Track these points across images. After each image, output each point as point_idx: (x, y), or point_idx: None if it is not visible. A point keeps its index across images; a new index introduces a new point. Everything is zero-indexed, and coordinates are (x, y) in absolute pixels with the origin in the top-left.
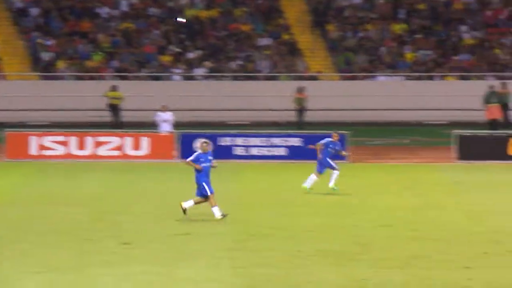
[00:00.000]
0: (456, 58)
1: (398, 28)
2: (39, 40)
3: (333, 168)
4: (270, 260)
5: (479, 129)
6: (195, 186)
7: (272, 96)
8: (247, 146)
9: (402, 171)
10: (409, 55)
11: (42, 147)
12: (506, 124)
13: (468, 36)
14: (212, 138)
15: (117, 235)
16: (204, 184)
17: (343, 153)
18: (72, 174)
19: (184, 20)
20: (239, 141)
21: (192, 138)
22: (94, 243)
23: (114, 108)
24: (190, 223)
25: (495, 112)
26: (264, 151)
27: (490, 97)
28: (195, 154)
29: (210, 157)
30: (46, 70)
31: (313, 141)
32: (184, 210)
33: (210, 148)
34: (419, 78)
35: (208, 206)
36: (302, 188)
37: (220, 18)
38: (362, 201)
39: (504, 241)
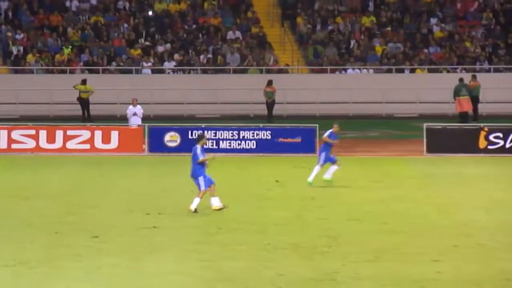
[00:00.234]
0: (426, 51)
1: (367, 21)
2: (8, 34)
3: (333, 162)
4: (239, 254)
5: (449, 122)
6: (164, 178)
7: (241, 89)
8: (216, 139)
9: (371, 164)
10: (378, 48)
11: (12, 141)
12: (476, 117)
13: (437, 29)
14: (182, 131)
15: (87, 229)
16: (200, 179)
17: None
18: (42, 167)
19: (151, 13)
20: (209, 134)
21: (161, 131)
22: (64, 236)
23: (83, 102)
24: (158, 217)
25: (465, 105)
26: (234, 144)
27: (460, 90)
28: (201, 149)
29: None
30: (15, 63)
31: (282, 135)
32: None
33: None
34: (389, 71)
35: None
36: (324, 181)
37: (189, 11)
38: (332, 194)
39: (474, 234)
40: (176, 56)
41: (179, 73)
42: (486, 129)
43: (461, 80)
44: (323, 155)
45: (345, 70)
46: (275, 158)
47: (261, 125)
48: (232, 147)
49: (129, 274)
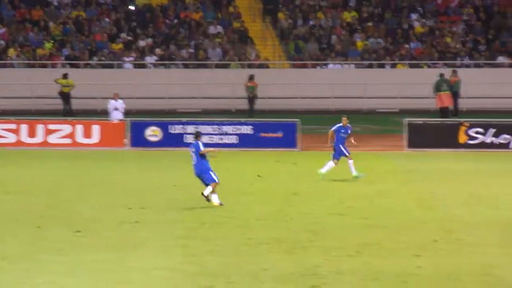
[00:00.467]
0: (406, 46)
1: (348, 16)
2: None
3: (346, 155)
4: (222, 248)
5: (430, 117)
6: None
7: (223, 84)
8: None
9: (353, 159)
10: (359, 43)
11: None
12: (456, 112)
13: (418, 24)
14: (163, 126)
15: (69, 223)
16: (210, 172)
17: (352, 139)
18: (23, 162)
19: (133, 8)
20: (190, 129)
21: (142, 126)
22: (46, 231)
23: (65, 96)
24: (141, 211)
25: (446, 100)
26: (215, 139)
27: (441, 85)
28: (202, 144)
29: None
30: None
31: (264, 129)
32: (207, 198)
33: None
34: (369, 66)
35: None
36: (319, 174)
37: (171, 6)
38: (314, 189)
39: (454, 229)
40: (158, 50)
41: (160, 67)
42: (466, 124)
43: (441, 75)
44: (340, 147)
45: (326, 65)
46: (257, 152)
47: (242, 120)
48: (213, 141)
49: (112, 268)
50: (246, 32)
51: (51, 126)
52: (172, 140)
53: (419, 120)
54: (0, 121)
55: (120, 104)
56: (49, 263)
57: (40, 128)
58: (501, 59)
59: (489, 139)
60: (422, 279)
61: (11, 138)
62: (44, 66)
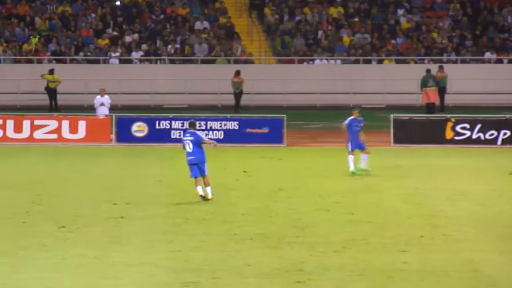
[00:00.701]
0: (393, 41)
1: (335, 11)
2: None
3: (362, 149)
4: (206, 244)
5: (416, 113)
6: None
7: (209, 79)
8: (184, 130)
9: (339, 155)
10: (346, 38)
11: None
12: (442, 108)
13: (405, 20)
14: (149, 121)
15: (53, 219)
16: (205, 164)
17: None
18: (9, 157)
19: (119, 3)
20: (176, 124)
21: (129, 121)
22: (30, 226)
23: (51, 91)
24: (126, 207)
25: (432, 96)
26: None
27: (427, 80)
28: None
29: None
30: None
31: (250, 125)
32: (202, 196)
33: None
34: (356, 62)
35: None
36: (350, 172)
37: (157, 1)
38: (299, 185)
39: (440, 225)
40: (144, 46)
41: (146, 63)
42: (453, 120)
43: (428, 71)
44: (357, 141)
45: (313, 60)
46: (242, 148)
47: (228, 115)
48: None
49: (96, 264)
50: (232, 28)
51: (37, 122)
52: (158, 136)
53: (405, 116)
54: None
55: (106, 99)
56: (34, 258)
57: (26, 124)
58: (488, 55)
59: (475, 135)
60: (408, 275)
61: None
62: (30, 61)
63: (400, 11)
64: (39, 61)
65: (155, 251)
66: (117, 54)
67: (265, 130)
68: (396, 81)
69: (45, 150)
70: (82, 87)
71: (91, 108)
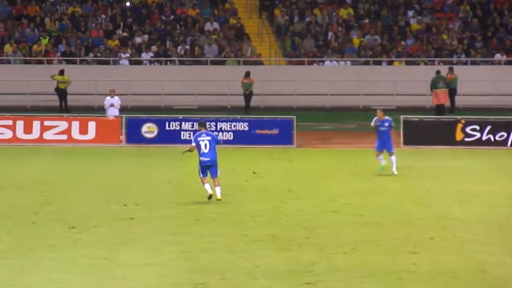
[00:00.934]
0: (403, 43)
1: (345, 13)
2: None
3: (388, 152)
4: (216, 245)
5: (426, 114)
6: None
7: (219, 80)
8: (194, 131)
9: (349, 156)
10: (356, 40)
11: None
12: (452, 109)
13: (415, 21)
14: (159, 122)
15: (63, 219)
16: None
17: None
18: (19, 158)
19: (129, 4)
20: (186, 125)
21: (138, 122)
22: (40, 227)
23: (61, 92)
24: (135, 208)
25: (442, 97)
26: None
27: (437, 82)
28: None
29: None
30: None
31: (260, 126)
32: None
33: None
34: (366, 63)
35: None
36: (379, 170)
37: (167, 2)
38: (309, 186)
39: (450, 226)
40: (154, 47)
41: (156, 64)
42: (463, 121)
43: (438, 72)
44: (387, 141)
45: (323, 62)
46: (252, 149)
47: (238, 116)
48: None
49: (105, 265)
50: (242, 29)
51: (47, 123)
52: (168, 137)
53: (415, 117)
54: None
55: (116, 100)
56: (43, 259)
57: (36, 124)
58: (498, 57)
59: (485, 136)
60: (417, 276)
61: (7, 134)
62: (40, 62)
63: (410, 13)
64: (49, 62)
65: (164, 252)
66: (127, 55)
67: (275, 131)
68: (406, 82)
69: (55, 151)
70: (92, 88)
71: (101, 109)
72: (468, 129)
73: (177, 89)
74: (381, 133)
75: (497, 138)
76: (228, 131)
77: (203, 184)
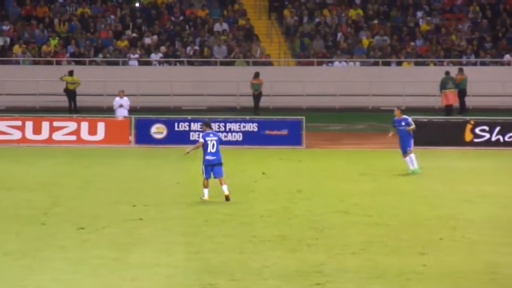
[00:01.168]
0: (412, 44)
1: (354, 13)
2: None
3: (406, 149)
4: (225, 246)
5: (436, 115)
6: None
7: (228, 81)
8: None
9: (358, 156)
10: (365, 40)
11: None
12: (462, 110)
13: (424, 22)
14: (168, 123)
15: (72, 220)
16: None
17: (410, 127)
18: (28, 159)
19: (138, 5)
20: (195, 126)
21: (148, 123)
22: (49, 228)
23: (70, 93)
24: (144, 208)
25: (451, 98)
26: (220, 136)
27: (447, 83)
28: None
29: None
30: (2, 54)
31: (269, 127)
32: (227, 198)
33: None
34: (375, 64)
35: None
36: (412, 172)
37: (176, 3)
38: (318, 186)
39: (459, 227)
40: (163, 48)
41: (165, 65)
42: (472, 122)
43: (447, 73)
44: (406, 140)
45: (332, 62)
46: (261, 150)
47: (247, 117)
48: None
49: (115, 266)
50: (251, 30)
51: (56, 123)
52: (177, 138)
53: (424, 118)
54: (5, 118)
55: (125, 101)
56: (52, 260)
57: (45, 125)
58: (507, 57)
59: (494, 137)
60: (426, 277)
61: (16, 134)
62: (49, 63)
63: (420, 13)
64: (58, 63)
65: (173, 253)
66: (136, 55)
67: (284, 132)
68: (415, 83)
69: (64, 151)
70: (101, 88)
71: (110, 110)
72: (477, 130)
73: (186, 89)
74: (400, 133)
75: (506, 138)
76: (237, 132)
77: (205, 187)
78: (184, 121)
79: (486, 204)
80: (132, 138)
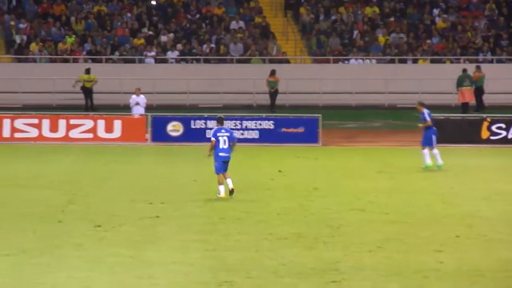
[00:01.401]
0: (428, 41)
1: (370, 11)
2: (12, 23)
3: (424, 146)
4: (241, 243)
5: (452, 113)
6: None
7: (244, 79)
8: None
9: (374, 154)
10: (381, 38)
11: (15, 130)
12: (478, 107)
13: (440, 20)
14: (185, 121)
15: (89, 218)
16: None
17: (420, 125)
18: (45, 156)
19: (154, 2)
20: (212, 124)
21: (164, 121)
22: (66, 225)
23: (87, 91)
24: (161, 206)
25: (467, 95)
26: (237, 134)
27: (463, 80)
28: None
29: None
30: (19, 52)
31: (285, 125)
32: (231, 191)
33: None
34: (391, 62)
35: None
36: (429, 167)
37: (193, 1)
38: (334, 184)
39: (476, 225)
40: (179, 45)
41: (182, 62)
42: (488, 119)
43: (464, 70)
44: (429, 136)
45: (348, 60)
46: (278, 148)
47: (264, 115)
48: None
49: (131, 263)
50: (267, 27)
51: (73, 121)
52: (193, 135)
53: (441, 115)
54: (22, 116)
55: (141, 99)
56: (69, 257)
57: (61, 123)
58: None
59: (511, 135)
60: (444, 275)
61: (33, 132)
62: (66, 61)
63: (436, 11)
64: (75, 61)
65: (190, 251)
66: (153, 53)
67: (300, 129)
68: (432, 80)
69: (80, 149)
70: (118, 86)
71: (127, 108)
72: (494, 128)
73: (203, 87)
74: (426, 129)
75: None
76: (253, 130)
77: (220, 183)
78: (200, 119)
79: (503, 202)
80: (148, 136)
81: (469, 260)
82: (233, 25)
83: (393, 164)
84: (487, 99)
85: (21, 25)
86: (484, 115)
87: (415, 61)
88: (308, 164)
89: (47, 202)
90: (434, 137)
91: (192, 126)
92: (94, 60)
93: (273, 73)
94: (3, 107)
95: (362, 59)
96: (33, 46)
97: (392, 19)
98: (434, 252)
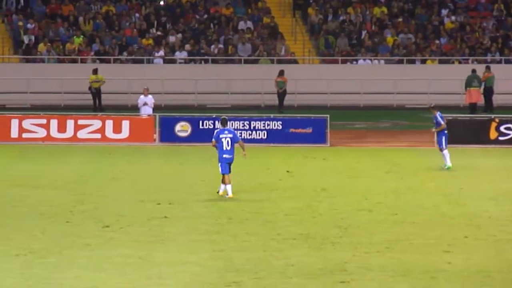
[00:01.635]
0: (437, 42)
1: (379, 11)
2: (20, 23)
3: (440, 147)
4: (249, 244)
5: (460, 113)
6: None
7: (252, 79)
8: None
9: (382, 154)
10: (390, 38)
11: (23, 130)
12: (487, 108)
13: (449, 20)
14: (193, 121)
15: (97, 218)
16: None
17: (433, 129)
18: (53, 157)
19: (163, 3)
20: (220, 124)
21: (172, 121)
22: (74, 226)
23: (95, 91)
24: (169, 207)
25: (475, 96)
26: (245, 135)
27: (472, 81)
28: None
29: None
30: (27, 53)
31: (293, 125)
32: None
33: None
34: (400, 62)
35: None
36: (448, 168)
37: (201, 1)
38: (342, 185)
39: (484, 225)
40: (187, 46)
41: (190, 63)
42: (497, 120)
43: (473, 71)
44: (439, 138)
45: (356, 60)
46: (286, 148)
47: (272, 115)
48: (243, 137)
49: (140, 264)
50: (276, 28)
51: (81, 121)
52: (201, 136)
53: (449, 116)
54: (30, 116)
55: (149, 99)
56: (77, 258)
57: (69, 123)
58: None
59: None
60: (452, 275)
61: (41, 133)
62: (74, 61)
63: (444, 11)
64: (83, 61)
65: (198, 251)
66: (161, 54)
67: (308, 130)
68: (440, 81)
69: (88, 149)
70: (126, 87)
71: (135, 108)
72: (502, 128)
73: (211, 88)
74: (440, 131)
75: None
76: (261, 130)
77: (225, 184)
78: (208, 119)
79: (511, 202)
80: (156, 136)
81: (477, 261)
82: (241, 25)
83: (401, 165)
84: (495, 99)
85: (29, 26)
86: (492, 116)
87: (423, 61)
88: (316, 165)
89: (55, 203)
90: (444, 139)
91: (200, 127)
92: (102, 61)
93: (281, 73)
94: (11, 107)
95: (371, 59)
96: (41, 47)
97: (400, 19)
98: (442, 252)
